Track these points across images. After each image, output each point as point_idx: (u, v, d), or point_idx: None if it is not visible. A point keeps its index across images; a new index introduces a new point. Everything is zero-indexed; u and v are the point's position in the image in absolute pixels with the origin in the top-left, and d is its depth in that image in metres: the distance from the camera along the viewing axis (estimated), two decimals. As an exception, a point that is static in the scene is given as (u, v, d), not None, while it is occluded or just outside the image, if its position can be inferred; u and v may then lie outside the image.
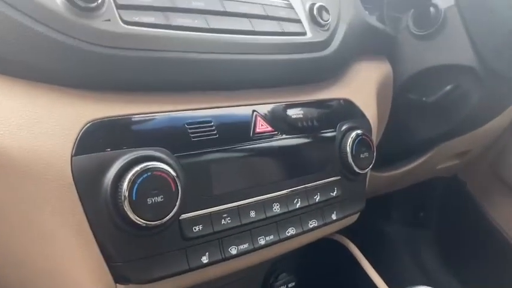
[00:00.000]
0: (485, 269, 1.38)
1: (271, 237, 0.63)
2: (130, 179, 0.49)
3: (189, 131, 0.57)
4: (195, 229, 0.56)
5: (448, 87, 0.93)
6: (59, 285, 0.54)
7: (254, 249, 0.62)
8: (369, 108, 0.81)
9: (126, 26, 0.53)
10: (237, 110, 0.64)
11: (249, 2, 0.67)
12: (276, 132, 0.66)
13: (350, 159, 0.71)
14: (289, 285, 0.82)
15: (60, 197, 0.48)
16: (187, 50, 0.58)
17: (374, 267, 0.87)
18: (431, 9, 0.92)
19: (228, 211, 0.59)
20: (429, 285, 0.89)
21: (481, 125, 1.07)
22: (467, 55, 0.90)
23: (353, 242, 0.90)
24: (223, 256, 0.59)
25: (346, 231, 0.88)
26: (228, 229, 0.59)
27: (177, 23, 0.58)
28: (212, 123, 0.60)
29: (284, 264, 0.81)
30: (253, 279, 0.79)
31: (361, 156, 0.73)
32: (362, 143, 0.72)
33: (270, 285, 0.80)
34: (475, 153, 1.27)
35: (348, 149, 0.71)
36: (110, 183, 0.49)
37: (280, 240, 0.64)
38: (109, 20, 0.52)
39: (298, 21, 0.73)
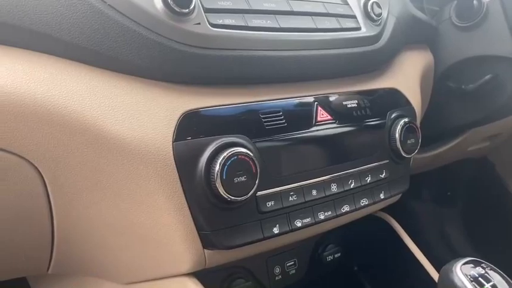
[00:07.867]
0: (509, 248, 1.44)
1: (329, 213, 0.72)
2: (221, 162, 0.58)
3: (263, 120, 0.66)
4: (268, 204, 0.65)
5: (487, 77, 0.99)
6: (155, 250, 0.64)
7: (315, 223, 0.71)
8: (414, 96, 0.88)
9: (213, 28, 0.61)
10: (301, 100, 0.72)
11: (311, 1, 0.75)
12: (334, 121, 0.74)
13: (398, 145, 0.79)
14: (336, 256, 0.91)
15: (164, 176, 0.58)
16: (262, 48, 0.66)
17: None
18: (474, 2, 0.97)
19: (294, 190, 0.68)
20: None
21: (515, 112, 1.12)
22: (507, 47, 0.95)
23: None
24: (290, 228, 0.68)
25: (384, 209, 0.96)
26: (294, 205, 0.68)
27: (253, 24, 0.66)
28: (281, 113, 0.68)
29: (331, 237, 0.91)
30: (304, 248, 0.88)
31: (408, 142, 0.80)
32: (409, 130, 0.80)
33: (319, 255, 0.90)
34: (505, 135, 1.32)
35: (397, 136, 0.79)
36: (204, 164, 0.58)
37: (337, 216, 0.73)
38: (199, 24, 0.60)
39: (354, 16, 0.80)
